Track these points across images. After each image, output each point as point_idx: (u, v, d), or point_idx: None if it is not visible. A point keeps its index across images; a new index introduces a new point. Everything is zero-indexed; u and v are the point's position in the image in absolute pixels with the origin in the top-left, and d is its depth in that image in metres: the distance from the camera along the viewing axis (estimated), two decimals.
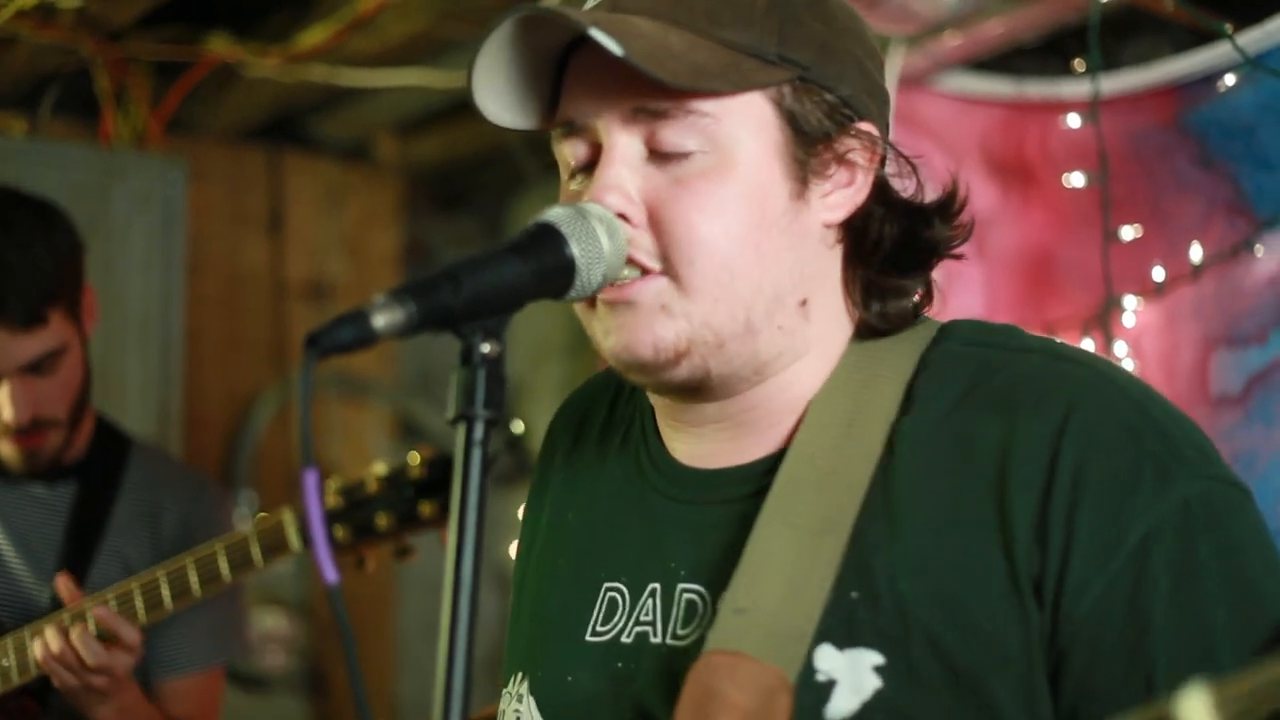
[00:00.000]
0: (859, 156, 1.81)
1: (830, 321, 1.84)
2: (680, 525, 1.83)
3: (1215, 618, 1.56)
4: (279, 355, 6.22)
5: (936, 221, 1.85)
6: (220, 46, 5.32)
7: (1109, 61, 3.52)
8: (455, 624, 1.50)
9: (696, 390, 1.79)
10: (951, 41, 3.82)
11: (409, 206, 6.70)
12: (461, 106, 5.86)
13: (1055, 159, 3.65)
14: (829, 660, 1.65)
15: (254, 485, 5.99)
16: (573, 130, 1.79)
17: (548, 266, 1.64)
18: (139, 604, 3.15)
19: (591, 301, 1.78)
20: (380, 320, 1.50)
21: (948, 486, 1.68)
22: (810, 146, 1.78)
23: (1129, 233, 3.46)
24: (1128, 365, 3.43)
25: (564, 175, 1.84)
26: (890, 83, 3.93)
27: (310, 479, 1.45)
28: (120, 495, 3.51)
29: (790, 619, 1.66)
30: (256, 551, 3.14)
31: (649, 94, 1.71)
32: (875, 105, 1.85)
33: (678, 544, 1.82)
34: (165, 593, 3.16)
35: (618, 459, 1.98)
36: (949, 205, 1.87)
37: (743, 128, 1.74)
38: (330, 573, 1.47)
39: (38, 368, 3.35)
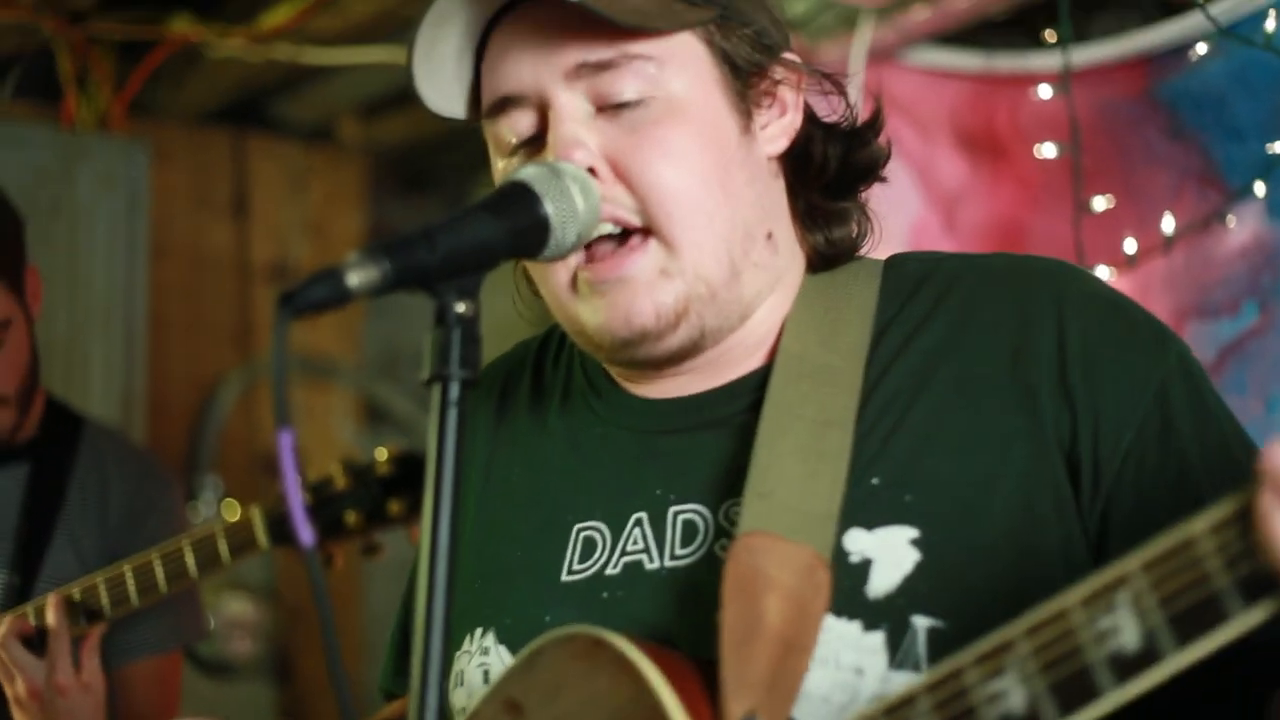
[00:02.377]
0: (787, 87, 1.86)
1: (790, 253, 1.88)
2: (664, 454, 1.83)
3: (1234, 451, 1.71)
4: (243, 339, 6.18)
5: (870, 139, 1.90)
6: (183, 27, 5.28)
7: (1077, 34, 3.52)
8: (433, 585, 1.49)
9: (685, 356, 1.81)
10: (920, 15, 3.82)
11: (373, 188, 6.66)
12: None
13: (1025, 131, 3.65)
14: (860, 542, 1.67)
15: (218, 469, 5.95)
16: (508, 104, 1.79)
17: (522, 225, 1.63)
18: (104, 598, 3.12)
19: (571, 285, 1.78)
20: (355, 278, 1.48)
21: (954, 370, 1.74)
22: (745, 80, 1.83)
23: (1100, 204, 3.46)
24: None
25: (497, 158, 1.85)
26: (859, 56, 3.93)
27: (285, 440, 1.43)
28: (72, 476, 3.47)
29: (813, 502, 1.67)
30: (224, 548, 3.10)
31: (589, 47, 1.73)
32: (783, 36, 1.90)
33: (662, 471, 1.81)
34: (131, 588, 3.12)
35: (560, 415, 1.96)
36: (875, 123, 1.92)
37: (684, 69, 1.77)
38: (306, 535, 1.45)
39: None
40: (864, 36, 3.88)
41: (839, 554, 1.66)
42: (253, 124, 6.31)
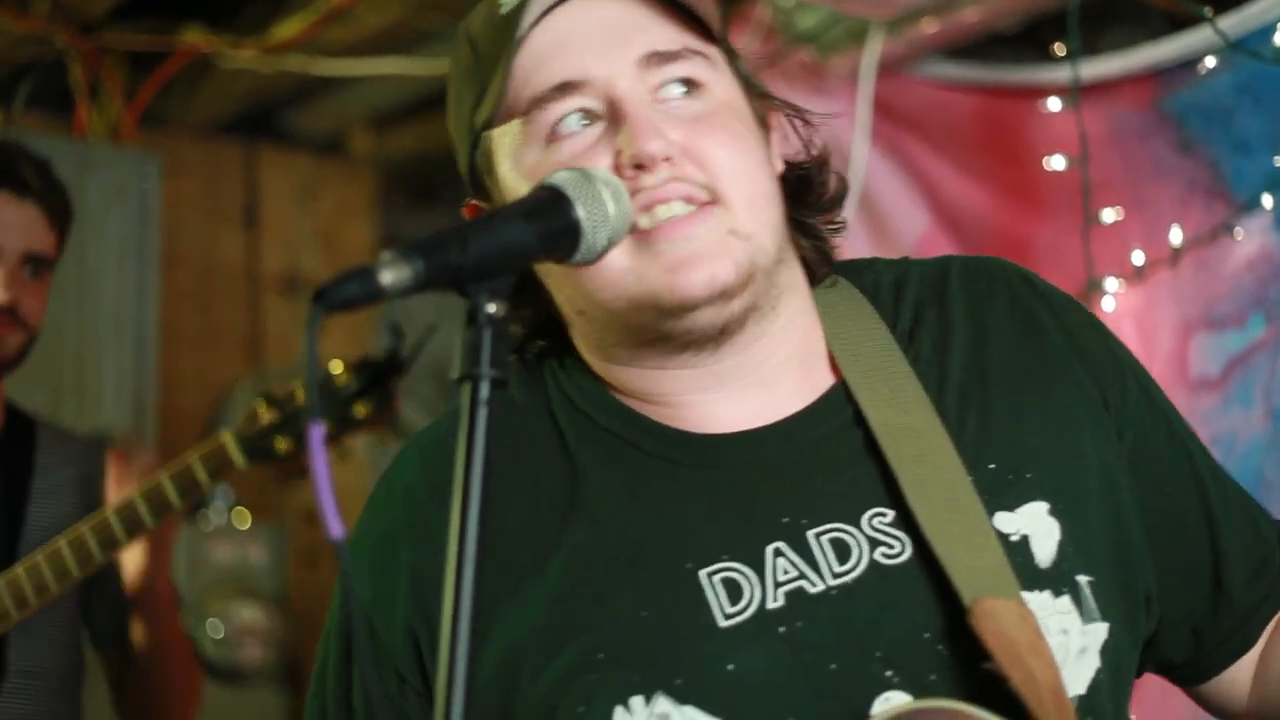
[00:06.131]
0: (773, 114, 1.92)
1: (797, 267, 1.90)
2: (768, 482, 1.79)
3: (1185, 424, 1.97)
4: (254, 348, 6.21)
5: (828, 170, 1.96)
6: (195, 38, 5.31)
7: (1087, 48, 3.54)
8: (460, 578, 1.49)
9: (724, 333, 1.78)
10: (929, 28, 3.84)
11: (383, 199, 6.69)
12: (436, 98, 5.86)
13: (1034, 144, 3.67)
14: (1010, 523, 1.75)
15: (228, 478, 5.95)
16: (567, 89, 1.78)
17: (554, 229, 1.63)
18: (93, 545, 3.21)
19: (635, 248, 1.75)
20: (388, 277, 1.49)
21: (998, 357, 1.85)
22: (755, 100, 1.88)
23: (1109, 216, 3.48)
24: None
25: (529, 149, 1.82)
26: (869, 69, 3.95)
27: (316, 433, 1.45)
28: (35, 471, 3.47)
29: (966, 503, 1.75)
30: (202, 473, 3.22)
31: (658, 38, 1.77)
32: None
33: (781, 500, 1.77)
34: (119, 530, 3.22)
35: (604, 472, 1.84)
36: (827, 156, 1.97)
37: (725, 75, 1.83)
38: (336, 528, 1.46)
39: (35, 264, 3.34)
40: (874, 50, 3.90)
41: (1000, 537, 1.74)
42: (264, 135, 6.34)
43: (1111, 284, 3.47)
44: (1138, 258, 3.45)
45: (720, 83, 1.81)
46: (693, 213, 1.75)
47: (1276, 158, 3.26)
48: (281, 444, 3.27)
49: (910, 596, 1.71)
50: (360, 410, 3.14)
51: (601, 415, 1.88)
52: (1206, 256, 3.39)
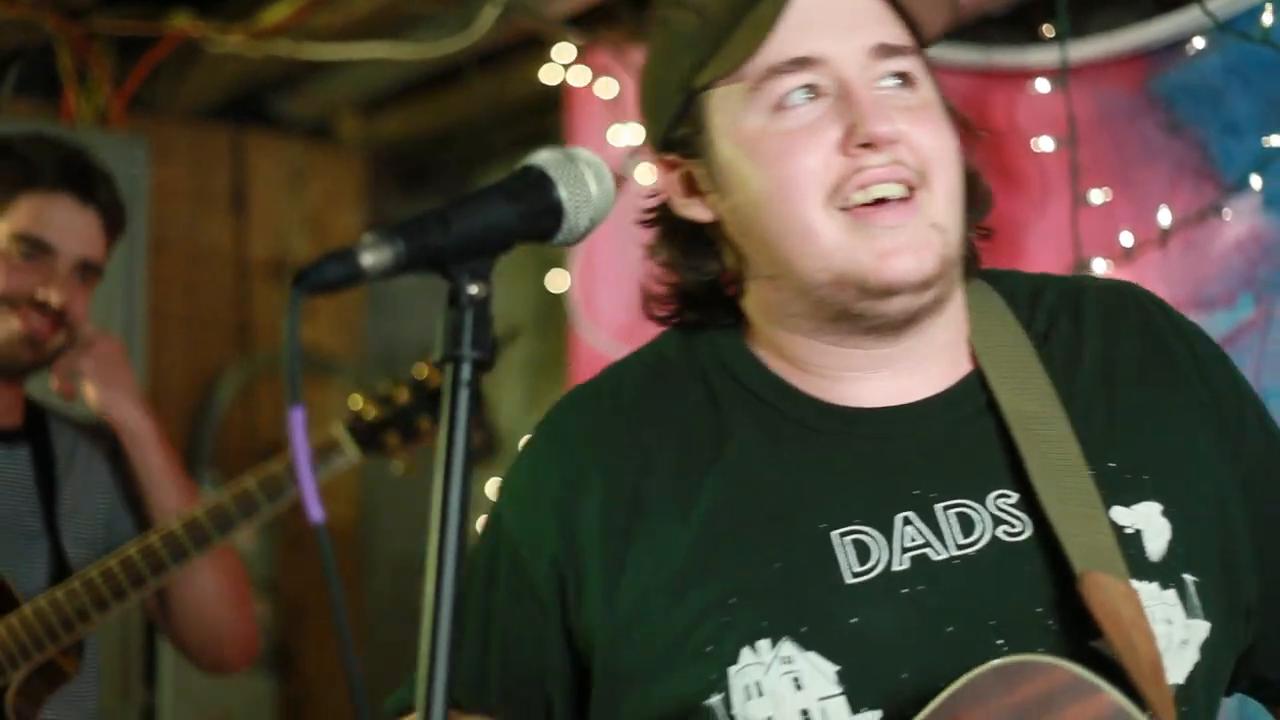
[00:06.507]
0: None
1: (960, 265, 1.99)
2: (903, 457, 1.92)
3: None
4: (242, 334, 6.20)
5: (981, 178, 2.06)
6: (183, 23, 5.30)
7: (1075, 29, 3.55)
8: (442, 568, 1.52)
9: (909, 321, 1.90)
10: None
11: (372, 185, 6.68)
12: (425, 82, 5.87)
13: (1023, 126, 3.68)
14: (1124, 517, 1.86)
15: (218, 463, 5.96)
16: (804, 64, 1.86)
17: (536, 209, 1.64)
18: (184, 538, 3.34)
19: (849, 225, 1.85)
20: (369, 258, 1.50)
21: (1128, 369, 1.95)
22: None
23: (1097, 197, 3.49)
24: None
25: (767, 113, 1.89)
26: None
27: (297, 416, 1.45)
28: (56, 460, 3.52)
29: (1086, 491, 1.85)
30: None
31: (890, 32, 1.88)
32: None
33: (914, 474, 1.90)
34: (207, 527, 3.36)
35: (749, 434, 1.95)
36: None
37: (929, 78, 1.93)
38: (316, 511, 1.47)
39: (86, 269, 3.39)
40: None
41: (1114, 528, 1.85)
42: (252, 120, 6.33)
43: (1100, 265, 3.47)
44: (1126, 239, 3.46)
45: (926, 83, 1.91)
46: (902, 202, 1.85)
47: (1265, 138, 3.27)
48: (392, 439, 3.56)
49: (1026, 572, 1.83)
50: (424, 424, 3.45)
51: (752, 381, 1.98)
52: (1195, 237, 3.41)
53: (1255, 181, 3.27)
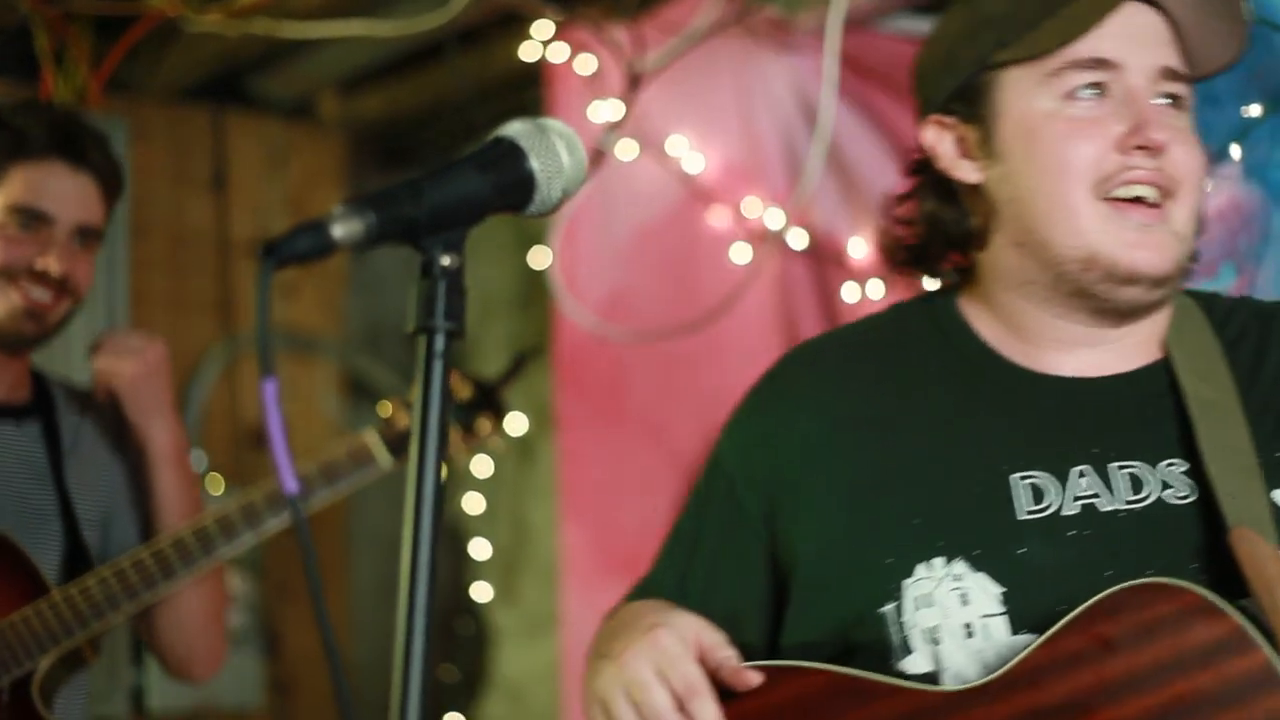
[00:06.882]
0: None
1: None
2: (1087, 419, 2.13)
3: None
4: (224, 315, 6.18)
5: None
6: (161, 2, 5.26)
7: None
8: (418, 544, 1.54)
9: (1133, 311, 2.14)
10: None
11: (353, 164, 6.66)
12: (405, 60, 5.85)
13: None
14: None
15: (202, 444, 5.95)
16: (1100, 64, 2.09)
17: (508, 180, 1.65)
18: (215, 535, 3.38)
19: (1110, 214, 2.08)
20: (339, 230, 1.50)
21: None
22: None
23: None
24: None
25: (1057, 99, 2.11)
26: (835, 24, 3.95)
27: (270, 389, 1.45)
28: (61, 430, 3.51)
29: (1250, 469, 2.05)
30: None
31: (1178, 59, 2.12)
32: None
33: (1097, 434, 2.11)
34: (238, 523, 3.40)
35: (953, 387, 2.20)
36: None
37: (1191, 108, 2.16)
38: (290, 483, 1.47)
39: (85, 235, 3.37)
40: (840, 4, 3.89)
41: (1273, 506, 2.03)
42: (231, 100, 6.30)
43: None
44: None
45: (1190, 112, 2.16)
46: (1153, 207, 2.08)
47: (1244, 108, 3.27)
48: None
49: (1185, 532, 2.03)
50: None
51: (960, 341, 2.22)
52: None
53: (1235, 151, 3.27)
